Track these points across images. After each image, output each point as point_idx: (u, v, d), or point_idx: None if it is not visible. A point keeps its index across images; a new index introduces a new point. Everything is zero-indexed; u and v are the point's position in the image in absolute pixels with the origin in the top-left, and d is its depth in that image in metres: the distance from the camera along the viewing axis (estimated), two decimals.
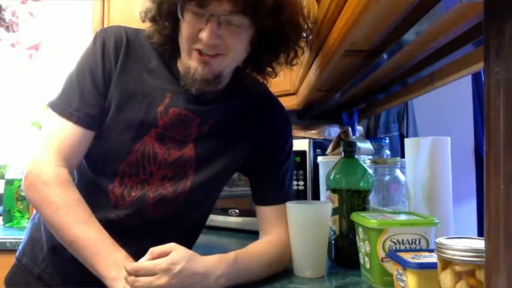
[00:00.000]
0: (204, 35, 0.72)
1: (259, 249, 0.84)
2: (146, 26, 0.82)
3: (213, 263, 0.73)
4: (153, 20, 0.80)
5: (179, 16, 0.75)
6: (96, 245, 0.71)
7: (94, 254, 0.70)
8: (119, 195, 0.81)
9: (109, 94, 0.80)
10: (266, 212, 0.91)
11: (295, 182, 1.28)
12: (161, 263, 0.66)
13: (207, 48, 0.74)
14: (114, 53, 0.80)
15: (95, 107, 0.79)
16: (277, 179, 0.92)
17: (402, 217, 0.82)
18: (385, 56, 0.79)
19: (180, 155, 0.83)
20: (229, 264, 0.75)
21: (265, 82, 0.91)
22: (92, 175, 0.83)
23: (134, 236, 0.81)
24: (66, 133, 0.77)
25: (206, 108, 0.83)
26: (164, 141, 0.82)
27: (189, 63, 0.77)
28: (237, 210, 1.39)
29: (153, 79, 0.82)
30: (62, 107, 0.78)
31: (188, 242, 0.91)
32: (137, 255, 0.70)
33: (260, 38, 0.80)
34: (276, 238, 0.87)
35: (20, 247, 0.92)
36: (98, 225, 0.73)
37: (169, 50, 0.82)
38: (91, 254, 0.70)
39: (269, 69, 0.88)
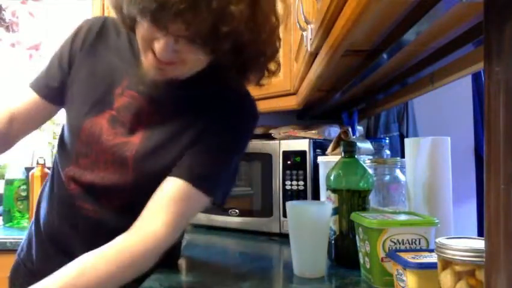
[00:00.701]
0: (158, 47, 0.66)
1: (109, 267, 0.68)
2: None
3: None
4: (114, 9, 0.74)
5: (137, 19, 0.68)
6: None
7: None
8: (73, 177, 0.81)
9: (72, 72, 0.83)
10: (172, 186, 0.74)
11: (295, 182, 1.28)
12: None
13: (159, 58, 0.68)
14: (85, 36, 0.83)
15: (56, 80, 0.84)
16: (204, 160, 0.77)
17: (402, 217, 0.82)
18: (385, 56, 0.79)
19: (124, 141, 0.78)
20: None
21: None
22: (59, 163, 0.85)
23: (97, 229, 0.80)
24: (24, 98, 0.85)
25: (159, 95, 0.78)
26: (115, 125, 0.79)
27: (144, 61, 0.72)
28: (237, 210, 1.39)
29: (118, 61, 0.82)
30: (32, 80, 0.86)
31: None
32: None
33: (223, 57, 0.70)
34: (148, 236, 0.71)
35: (21, 244, 0.97)
36: None
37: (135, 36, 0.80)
38: None
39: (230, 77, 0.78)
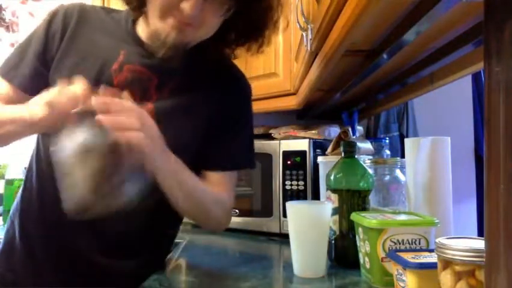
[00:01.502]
0: (187, 6, 0.71)
1: (205, 187, 0.83)
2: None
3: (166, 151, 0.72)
4: None
5: None
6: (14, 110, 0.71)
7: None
8: None
9: (56, 60, 0.79)
10: (212, 177, 0.86)
11: (295, 182, 1.28)
12: (135, 108, 0.65)
13: (185, 17, 0.72)
14: (63, 21, 0.80)
15: (31, 69, 0.79)
16: (229, 145, 0.88)
17: (402, 217, 0.82)
18: (385, 56, 0.79)
19: None
20: (179, 163, 0.75)
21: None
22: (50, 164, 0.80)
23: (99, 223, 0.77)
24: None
25: (164, 66, 0.80)
26: None
27: (160, 26, 0.74)
28: (237, 210, 1.39)
29: (107, 38, 0.81)
30: (2, 67, 0.82)
31: (168, 223, 0.90)
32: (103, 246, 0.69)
33: (233, 18, 0.78)
34: (221, 194, 0.85)
35: None
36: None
37: (125, 14, 0.82)
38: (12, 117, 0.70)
39: (229, 50, 0.87)
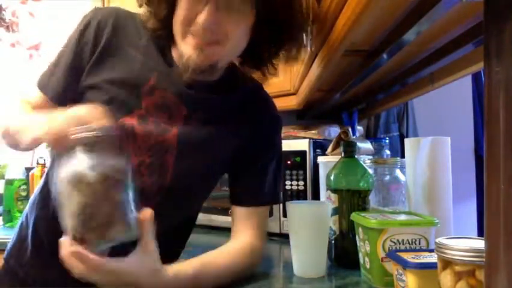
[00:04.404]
0: (201, 18, 0.68)
1: (227, 261, 0.79)
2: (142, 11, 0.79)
3: (167, 283, 0.68)
4: (148, 2, 0.76)
5: None
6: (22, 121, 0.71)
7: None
8: None
9: (88, 70, 0.77)
10: (238, 212, 0.86)
11: (295, 182, 1.28)
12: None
13: (203, 33, 0.69)
14: (96, 31, 0.77)
15: (64, 82, 0.78)
16: (256, 180, 0.87)
17: (402, 217, 0.82)
18: (385, 56, 0.79)
19: (161, 139, 0.76)
20: (186, 284, 0.71)
21: (264, 80, 0.88)
22: None
23: None
24: (33, 96, 0.80)
25: (195, 96, 0.78)
26: (147, 122, 0.75)
27: (183, 48, 0.72)
28: None
29: (140, 55, 0.77)
30: (38, 78, 0.81)
31: (173, 246, 0.88)
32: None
33: (261, 28, 0.75)
34: (245, 244, 0.83)
35: (8, 247, 0.88)
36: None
37: (164, 35, 0.78)
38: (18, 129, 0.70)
39: (269, 65, 0.84)
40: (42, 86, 0.80)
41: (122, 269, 0.63)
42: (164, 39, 0.78)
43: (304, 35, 0.83)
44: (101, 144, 0.57)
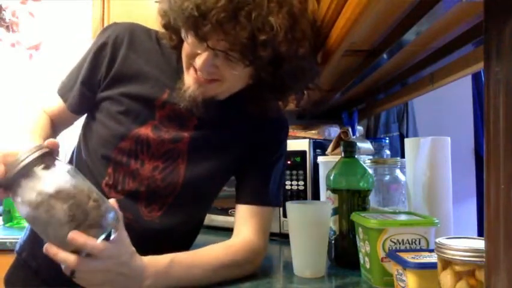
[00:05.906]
0: (199, 61, 0.73)
1: (217, 253, 0.80)
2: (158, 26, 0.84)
3: (141, 266, 0.70)
4: (164, 27, 0.81)
5: (182, 36, 0.75)
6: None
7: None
8: (114, 185, 0.81)
9: (103, 86, 0.83)
10: (241, 211, 0.88)
11: (295, 182, 1.28)
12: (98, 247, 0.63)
13: (201, 72, 0.74)
14: (113, 46, 0.82)
15: (79, 95, 0.85)
16: (260, 181, 0.90)
17: (402, 217, 0.82)
18: (385, 56, 0.79)
19: (174, 146, 0.82)
20: (158, 270, 0.71)
21: None
22: (87, 168, 0.83)
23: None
24: (52, 103, 0.87)
25: (205, 109, 0.80)
26: (160, 131, 0.82)
27: (186, 78, 0.78)
28: None
29: (154, 71, 0.83)
30: (60, 86, 0.88)
31: (183, 245, 0.89)
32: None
33: (261, 78, 0.77)
34: (245, 241, 0.84)
35: (21, 241, 0.92)
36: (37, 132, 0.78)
37: (177, 54, 0.82)
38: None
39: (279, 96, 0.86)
40: (63, 95, 0.86)
41: (118, 251, 0.66)
42: (177, 55, 0.82)
43: (311, 85, 0.87)
44: (49, 157, 0.63)
